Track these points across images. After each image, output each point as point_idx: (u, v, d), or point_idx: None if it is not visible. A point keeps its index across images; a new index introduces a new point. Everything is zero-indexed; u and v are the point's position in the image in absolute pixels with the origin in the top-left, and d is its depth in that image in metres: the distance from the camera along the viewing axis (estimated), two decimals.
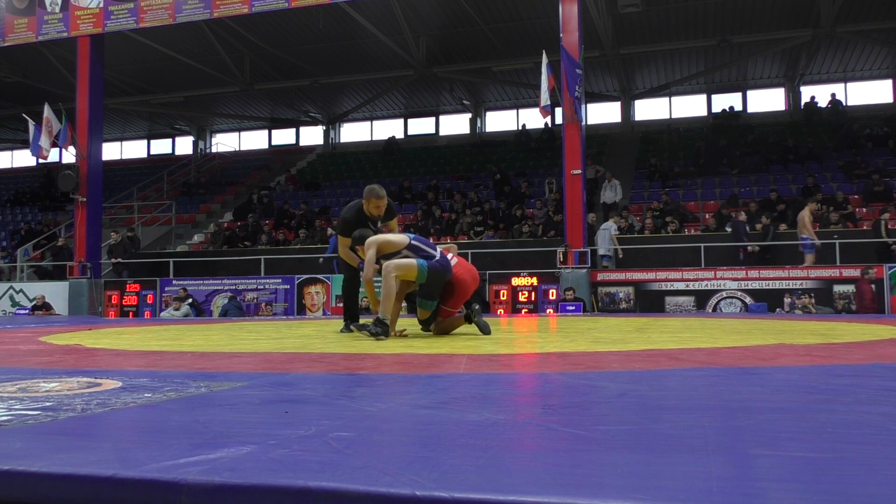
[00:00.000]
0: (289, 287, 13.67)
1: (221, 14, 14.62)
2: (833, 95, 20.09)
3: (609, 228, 13.46)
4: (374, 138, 24.83)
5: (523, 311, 12.26)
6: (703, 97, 22.19)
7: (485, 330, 5.07)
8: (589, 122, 20.67)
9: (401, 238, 5.08)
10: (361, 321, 5.45)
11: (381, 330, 4.76)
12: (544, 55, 12.43)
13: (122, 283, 14.78)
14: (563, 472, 1.22)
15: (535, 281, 12.53)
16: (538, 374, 2.96)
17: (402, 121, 24.84)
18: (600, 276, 12.59)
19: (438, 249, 5.13)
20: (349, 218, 5.68)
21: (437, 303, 5.16)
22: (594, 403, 1.98)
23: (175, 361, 3.41)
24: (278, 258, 15.02)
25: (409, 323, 5.79)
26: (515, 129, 22.50)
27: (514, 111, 23.64)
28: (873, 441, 1.46)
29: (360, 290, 6.17)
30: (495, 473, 1.18)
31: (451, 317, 5.29)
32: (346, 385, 2.47)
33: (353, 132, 25.42)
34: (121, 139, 28.10)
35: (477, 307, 5.27)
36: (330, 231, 15.69)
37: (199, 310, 13.71)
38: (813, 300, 11.12)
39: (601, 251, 13.28)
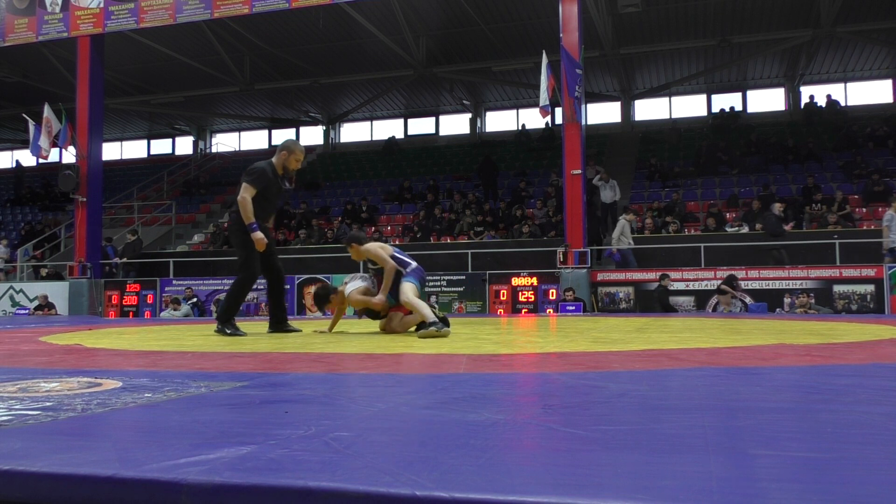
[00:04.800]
0: (289, 287, 13.64)
1: (222, 14, 14.62)
2: (829, 96, 20.07)
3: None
4: (374, 138, 24.84)
5: (523, 311, 12.26)
6: (703, 97, 22.19)
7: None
8: (589, 122, 20.68)
9: (387, 247, 5.62)
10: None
11: (440, 325, 4.91)
12: (544, 55, 12.43)
13: (122, 283, 14.78)
14: (563, 472, 1.22)
15: (535, 281, 12.53)
16: (538, 374, 2.96)
17: (402, 121, 24.83)
18: (599, 277, 12.60)
19: (413, 261, 5.58)
20: (265, 169, 5.59)
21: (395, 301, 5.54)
22: (594, 403, 1.98)
23: (175, 361, 3.41)
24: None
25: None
26: (515, 129, 22.50)
27: (514, 111, 23.63)
28: (873, 441, 1.46)
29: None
30: (495, 473, 1.18)
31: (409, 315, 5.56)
32: (346, 385, 2.47)
33: (353, 132, 25.42)
34: (121, 139, 28.10)
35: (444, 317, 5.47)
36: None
37: (203, 310, 13.72)
38: (813, 300, 11.12)
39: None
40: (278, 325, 5.88)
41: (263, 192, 5.56)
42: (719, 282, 11.84)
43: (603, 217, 15.48)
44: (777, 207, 13.09)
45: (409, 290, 5.29)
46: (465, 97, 22.93)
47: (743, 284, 11.72)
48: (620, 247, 13.20)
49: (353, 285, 5.65)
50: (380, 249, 5.51)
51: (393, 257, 5.46)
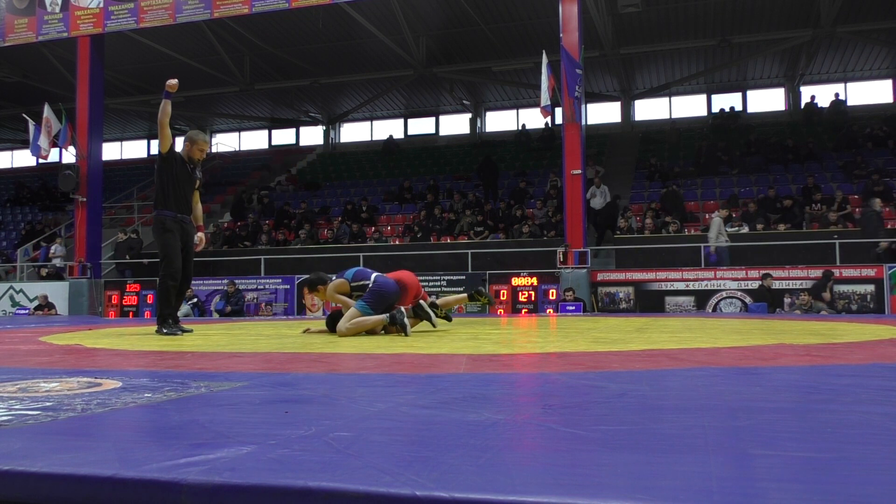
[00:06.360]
0: (289, 287, 13.67)
1: (222, 14, 14.62)
2: (836, 95, 20.04)
3: None
4: (374, 138, 24.84)
5: (523, 311, 12.26)
6: (703, 97, 22.19)
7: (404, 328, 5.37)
8: (589, 122, 20.69)
9: (343, 281, 5.64)
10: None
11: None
12: (544, 55, 12.43)
13: (122, 283, 14.78)
14: (563, 472, 1.22)
15: (535, 281, 12.53)
16: (538, 374, 2.96)
17: (402, 121, 24.83)
18: (599, 276, 12.59)
19: (373, 274, 5.59)
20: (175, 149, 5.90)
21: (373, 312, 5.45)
22: (594, 403, 1.98)
23: (175, 361, 3.41)
24: (278, 258, 15.03)
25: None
26: (515, 129, 22.50)
27: (514, 111, 23.63)
28: (873, 441, 1.46)
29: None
30: (495, 473, 1.18)
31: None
32: (346, 385, 2.47)
33: (353, 132, 25.42)
34: (121, 139, 28.09)
35: (423, 305, 5.52)
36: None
37: (203, 310, 13.72)
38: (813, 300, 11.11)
39: None
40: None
41: (175, 173, 5.86)
42: (719, 282, 11.83)
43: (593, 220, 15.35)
44: (878, 203, 12.00)
45: (349, 316, 5.30)
46: (465, 97, 22.92)
47: (743, 284, 11.71)
48: (718, 244, 12.60)
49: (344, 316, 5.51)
50: (336, 293, 5.60)
51: (354, 286, 5.54)
